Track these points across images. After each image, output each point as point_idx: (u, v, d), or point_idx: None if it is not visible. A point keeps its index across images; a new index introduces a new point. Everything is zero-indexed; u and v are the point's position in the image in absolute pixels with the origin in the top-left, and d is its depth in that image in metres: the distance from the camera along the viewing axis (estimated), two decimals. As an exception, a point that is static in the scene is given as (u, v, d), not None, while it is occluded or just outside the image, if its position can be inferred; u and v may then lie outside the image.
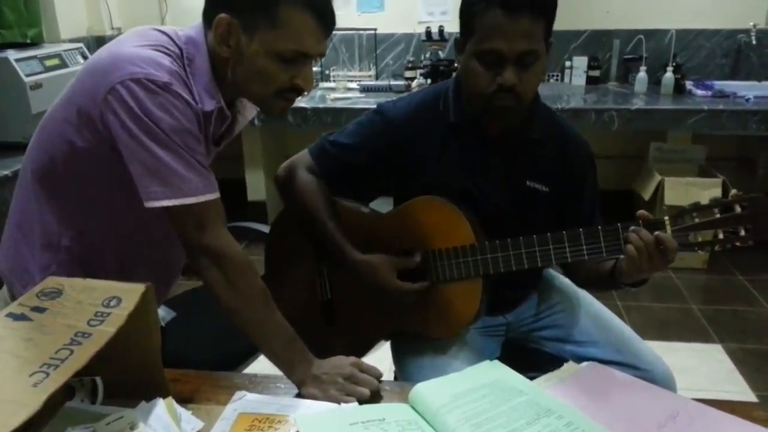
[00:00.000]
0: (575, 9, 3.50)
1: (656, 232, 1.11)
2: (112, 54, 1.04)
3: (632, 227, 1.14)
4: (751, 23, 3.34)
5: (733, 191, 1.13)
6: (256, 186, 3.64)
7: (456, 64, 1.29)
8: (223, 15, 1.03)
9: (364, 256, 1.30)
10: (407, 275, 1.31)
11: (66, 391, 0.89)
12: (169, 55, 1.05)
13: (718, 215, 1.12)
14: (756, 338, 2.62)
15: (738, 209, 1.11)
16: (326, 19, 1.06)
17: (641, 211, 1.15)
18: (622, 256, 1.16)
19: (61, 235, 1.15)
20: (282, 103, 1.12)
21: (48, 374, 0.75)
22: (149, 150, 1.00)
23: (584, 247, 1.18)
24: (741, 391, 2.28)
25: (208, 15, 1.07)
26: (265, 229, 1.72)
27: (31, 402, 0.70)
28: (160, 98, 1.00)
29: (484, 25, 1.16)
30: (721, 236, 1.12)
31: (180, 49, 1.08)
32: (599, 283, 1.34)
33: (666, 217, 1.14)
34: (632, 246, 1.12)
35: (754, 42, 3.36)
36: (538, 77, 1.22)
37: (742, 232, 1.11)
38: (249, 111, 1.26)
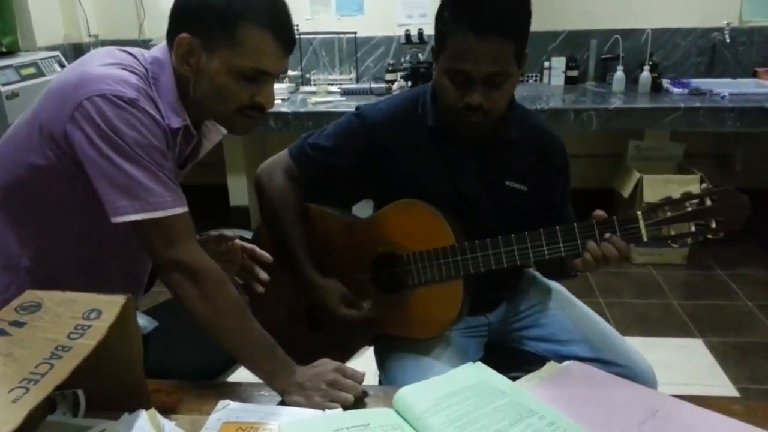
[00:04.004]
0: (552, 10, 3.54)
1: (606, 237, 1.17)
2: (78, 73, 1.04)
3: (608, 234, 1.17)
4: (725, 22, 3.40)
5: (704, 185, 1.16)
6: (239, 191, 3.63)
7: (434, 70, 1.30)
8: (183, 34, 1.04)
9: (320, 279, 1.34)
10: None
11: (47, 405, 0.88)
12: (135, 74, 1.05)
13: (689, 208, 1.14)
14: (736, 332, 2.66)
15: (708, 202, 1.14)
16: (285, 37, 1.07)
17: (597, 212, 1.19)
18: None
19: (21, 256, 1.14)
20: (244, 121, 1.12)
21: (28, 389, 0.74)
22: (116, 165, 0.99)
23: (561, 244, 1.20)
24: (722, 384, 2.32)
25: (172, 35, 1.08)
26: (247, 235, 1.71)
27: (11, 418, 0.70)
28: (127, 114, 1.00)
29: (453, 45, 1.19)
30: (693, 229, 1.15)
31: (145, 68, 1.08)
32: (557, 273, 1.41)
33: (638, 212, 1.17)
34: (589, 256, 1.18)
35: (728, 40, 3.41)
36: (508, 94, 1.25)
37: (714, 225, 1.14)
38: (214, 135, 1.26)
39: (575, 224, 1.20)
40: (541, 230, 1.22)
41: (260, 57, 1.06)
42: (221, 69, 1.05)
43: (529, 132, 1.36)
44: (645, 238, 1.17)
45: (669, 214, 1.15)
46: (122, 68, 1.04)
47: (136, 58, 1.09)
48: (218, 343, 1.06)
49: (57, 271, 1.16)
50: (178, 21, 1.07)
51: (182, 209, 1.04)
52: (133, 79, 1.04)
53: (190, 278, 1.04)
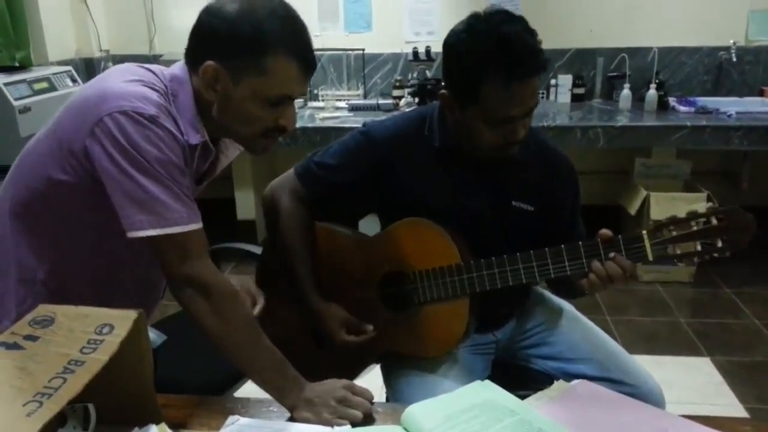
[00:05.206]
0: (559, 28, 3.56)
1: (610, 256, 1.17)
2: (99, 89, 1.05)
3: (612, 254, 1.18)
4: (731, 41, 3.42)
5: (709, 204, 1.16)
6: (246, 205, 3.65)
7: (441, 97, 1.30)
8: (210, 62, 1.05)
9: (321, 304, 1.34)
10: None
11: (58, 418, 0.88)
12: (156, 90, 1.06)
13: (695, 228, 1.15)
14: (743, 351, 2.65)
15: (714, 221, 1.14)
16: (309, 63, 1.09)
17: (603, 231, 1.19)
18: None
19: (37, 269, 1.15)
20: (265, 142, 1.14)
21: (41, 403, 0.75)
22: (134, 180, 1.00)
23: (566, 263, 1.21)
24: (730, 404, 2.30)
25: (193, 57, 1.09)
26: (254, 249, 1.72)
27: (25, 432, 0.71)
28: (147, 131, 1.01)
29: (494, 95, 1.17)
30: (699, 248, 1.15)
31: (165, 85, 1.09)
32: (568, 292, 1.41)
33: (644, 231, 1.17)
34: (594, 276, 1.19)
35: (734, 59, 3.43)
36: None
37: (720, 244, 1.14)
38: (231, 151, 1.28)
39: (580, 243, 1.20)
40: (547, 249, 1.22)
41: (287, 85, 1.07)
42: (248, 96, 1.06)
43: (535, 151, 1.36)
44: (650, 258, 1.17)
45: (675, 233, 1.16)
46: (143, 84, 1.06)
47: (155, 74, 1.11)
48: (229, 359, 1.06)
49: (72, 284, 1.17)
50: (203, 46, 1.07)
51: (197, 225, 1.06)
52: (154, 95, 1.05)
53: (203, 293, 1.04)
